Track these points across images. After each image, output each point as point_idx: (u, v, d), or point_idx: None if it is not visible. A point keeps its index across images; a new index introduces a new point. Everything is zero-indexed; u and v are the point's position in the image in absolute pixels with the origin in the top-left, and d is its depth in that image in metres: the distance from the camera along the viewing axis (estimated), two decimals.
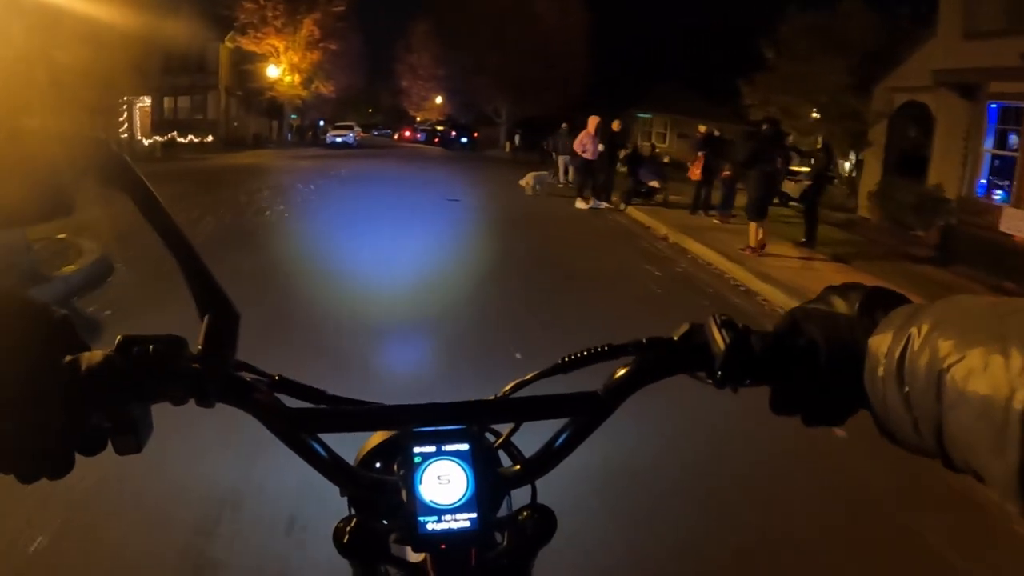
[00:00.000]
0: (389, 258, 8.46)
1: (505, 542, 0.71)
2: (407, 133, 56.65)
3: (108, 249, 7.14)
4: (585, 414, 0.70)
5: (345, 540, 0.68)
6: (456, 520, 0.65)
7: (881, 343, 0.52)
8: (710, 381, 0.66)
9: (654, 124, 44.19)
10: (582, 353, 0.72)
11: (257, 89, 38.44)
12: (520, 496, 0.74)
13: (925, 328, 0.49)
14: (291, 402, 0.70)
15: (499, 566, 0.70)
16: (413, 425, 0.70)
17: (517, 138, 35.88)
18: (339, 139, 39.51)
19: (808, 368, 0.59)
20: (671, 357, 0.68)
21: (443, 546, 0.66)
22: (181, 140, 34.77)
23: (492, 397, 0.76)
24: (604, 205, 14.91)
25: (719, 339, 0.64)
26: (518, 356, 4.95)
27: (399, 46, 53.82)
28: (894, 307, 0.57)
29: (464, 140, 44.42)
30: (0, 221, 0.67)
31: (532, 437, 0.74)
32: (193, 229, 8.81)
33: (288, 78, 38.88)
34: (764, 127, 10.65)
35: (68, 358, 0.55)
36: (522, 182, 16.71)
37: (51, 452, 0.54)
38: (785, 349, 0.61)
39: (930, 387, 0.46)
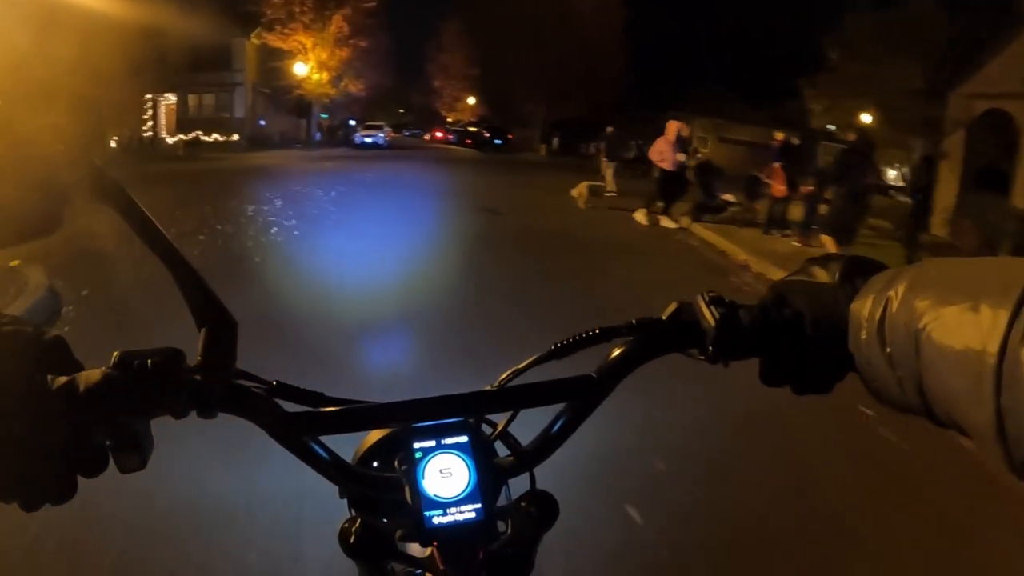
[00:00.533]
0: (413, 306, 6.05)
1: (509, 530, 0.70)
2: (438, 134, 55.87)
3: (60, 283, 5.67)
4: (581, 398, 0.71)
5: (352, 541, 0.68)
6: (461, 512, 0.65)
7: (862, 308, 0.55)
8: (702, 358, 0.67)
9: (694, 128, 42.34)
10: (575, 338, 0.72)
11: (284, 87, 37.31)
12: (519, 485, 0.74)
13: (902, 290, 0.51)
14: (291, 407, 0.69)
15: (504, 555, 0.70)
16: (411, 421, 0.70)
17: (556, 140, 34.14)
18: (368, 139, 38.35)
19: (795, 338, 0.61)
20: (663, 336, 0.69)
21: (450, 538, 0.66)
22: (205, 139, 33.90)
23: (488, 388, 0.74)
24: (671, 224, 12.58)
25: (709, 316, 0.65)
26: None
27: (431, 45, 53.32)
28: (873, 273, 0.58)
29: (498, 142, 43.15)
30: None
31: (529, 426, 0.74)
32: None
33: (316, 76, 37.59)
34: (851, 137, 9.47)
35: (64, 379, 0.54)
36: (575, 192, 14.75)
37: (53, 476, 0.53)
38: (772, 321, 0.63)
39: (910, 346, 0.48)
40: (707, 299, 0.67)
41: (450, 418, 0.70)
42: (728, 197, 13.41)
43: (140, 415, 0.58)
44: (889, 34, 17.44)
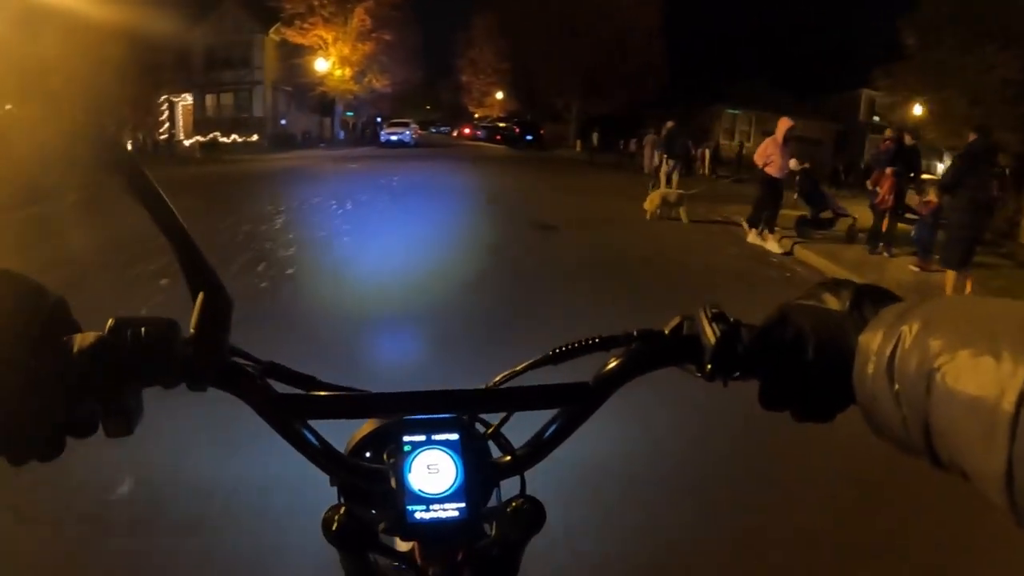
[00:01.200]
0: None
1: (494, 532, 0.71)
2: (467, 130, 54.19)
3: None
4: (575, 405, 0.70)
5: (334, 529, 0.68)
6: (445, 509, 0.65)
7: (872, 340, 0.52)
8: (699, 374, 0.66)
9: (737, 122, 39.69)
10: (573, 344, 0.72)
11: (306, 84, 35.45)
12: (510, 488, 0.73)
13: (916, 327, 0.49)
14: (284, 389, 0.69)
15: (488, 556, 0.70)
16: (403, 413, 0.70)
17: (595, 136, 31.46)
18: (395, 137, 36.39)
19: (797, 363, 0.59)
20: (661, 349, 0.68)
21: (431, 535, 0.66)
22: (224, 140, 32.12)
23: (483, 387, 0.74)
24: (776, 247, 10.13)
25: (710, 332, 0.64)
26: None
27: (459, 40, 51.60)
28: (885, 304, 0.56)
29: (529, 138, 41.14)
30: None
31: (523, 431, 0.73)
32: (127, 301, 5.28)
33: (338, 72, 35.62)
34: (972, 137, 7.55)
35: (61, 340, 0.54)
36: (647, 204, 12.50)
37: (43, 435, 0.54)
38: (775, 343, 0.61)
39: (920, 386, 0.46)
40: (709, 315, 0.65)
41: (442, 413, 0.70)
42: (841, 211, 10.96)
43: (131, 383, 0.58)
44: (977, 18, 15.20)
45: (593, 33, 36.12)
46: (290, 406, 0.67)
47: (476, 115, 55.49)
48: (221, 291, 0.63)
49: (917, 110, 19.26)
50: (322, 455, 0.68)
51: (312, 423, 0.69)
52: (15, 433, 0.52)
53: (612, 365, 0.69)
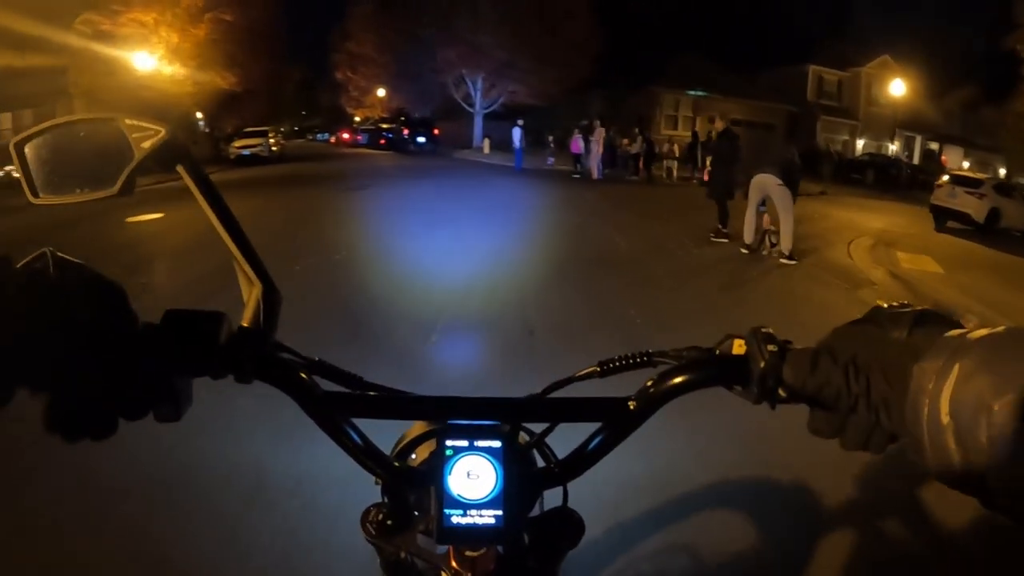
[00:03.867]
0: None
1: (530, 542, 0.72)
2: (345, 135, 47.41)
3: None
4: (619, 419, 0.69)
5: (372, 527, 0.71)
6: (481, 516, 0.65)
7: (927, 371, 0.50)
8: (747, 396, 0.64)
9: (680, 106, 33.58)
10: (621, 359, 0.73)
11: (132, 88, 26.98)
12: (554, 499, 0.74)
13: (975, 360, 0.47)
14: (329, 387, 0.70)
15: (523, 566, 0.71)
16: (447, 417, 0.70)
17: (518, 131, 23.61)
18: (247, 152, 28.49)
19: (847, 389, 0.58)
20: (709, 369, 0.67)
21: (466, 541, 0.67)
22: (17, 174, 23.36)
23: (527, 396, 0.75)
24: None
25: (758, 353, 0.62)
26: None
27: (335, 33, 43.57)
28: (944, 332, 0.53)
29: (421, 140, 33.70)
30: (69, 194, 0.70)
31: (567, 441, 0.72)
32: None
33: (168, 69, 27.39)
34: None
35: (118, 326, 0.58)
36: (745, 234, 8.88)
37: (97, 415, 0.57)
38: (825, 368, 0.59)
39: (976, 424, 0.45)
40: (760, 336, 0.63)
41: (485, 420, 0.69)
42: None
43: (180, 371, 0.61)
44: None
45: (502, 8, 29.13)
46: (334, 403, 0.68)
47: (356, 117, 48.84)
48: (272, 287, 0.68)
49: None
50: (364, 453, 0.68)
51: (359, 423, 0.69)
52: (71, 411, 0.55)
53: (658, 381, 0.68)
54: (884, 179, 28.41)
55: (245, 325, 0.66)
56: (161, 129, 0.68)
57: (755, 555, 2.72)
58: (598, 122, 21.55)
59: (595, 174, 21.62)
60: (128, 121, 0.68)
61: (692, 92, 31.90)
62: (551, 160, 25.07)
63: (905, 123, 36.41)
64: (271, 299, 0.67)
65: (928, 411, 0.48)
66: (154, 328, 0.60)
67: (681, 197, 17.22)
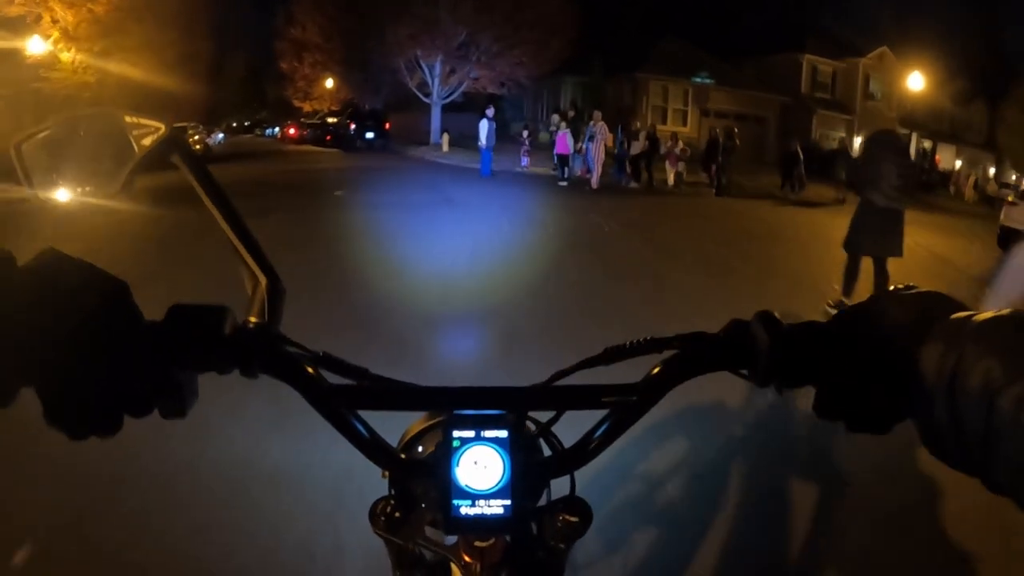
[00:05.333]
0: None
1: (538, 531, 0.72)
2: (292, 131, 42.54)
3: None
4: (625, 406, 0.69)
5: (381, 519, 0.71)
6: (489, 506, 0.65)
7: (932, 353, 0.50)
8: (752, 380, 0.65)
9: (670, 96, 29.77)
10: (626, 345, 0.72)
11: (18, 80, 22.49)
12: (560, 487, 0.74)
13: (981, 344, 0.47)
14: (335, 380, 0.70)
15: (532, 555, 0.71)
16: (453, 408, 0.70)
17: (486, 124, 18.08)
18: None
19: (853, 372, 0.58)
20: (714, 353, 0.67)
21: (474, 531, 0.67)
22: None
23: (533, 385, 0.74)
24: None
25: (764, 337, 0.62)
26: None
27: (279, 17, 38.93)
28: (949, 315, 0.53)
29: (370, 135, 29.82)
30: (71, 192, 0.72)
31: (573, 429, 0.72)
32: None
33: (65, 54, 23.07)
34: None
35: (123, 322, 0.57)
36: None
37: (102, 412, 0.56)
38: (832, 351, 0.59)
39: (980, 408, 0.45)
40: (764, 319, 0.64)
41: (492, 409, 0.69)
42: None
43: (185, 367, 0.60)
44: None
45: None
46: (340, 396, 0.67)
47: (304, 109, 44.07)
48: (276, 281, 0.69)
49: None
50: (371, 446, 0.68)
51: (364, 415, 0.69)
52: (75, 409, 0.55)
53: (664, 367, 0.68)
54: None
55: (251, 319, 0.66)
56: (161, 126, 0.71)
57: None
58: (599, 113, 17.27)
59: (594, 182, 17.25)
60: (128, 119, 0.71)
61: (698, 78, 28.07)
62: (525, 161, 20.46)
63: (900, 119, 34.03)
64: (275, 293, 0.68)
65: (932, 393, 0.49)
66: (158, 324, 0.59)
67: (726, 217, 13.32)
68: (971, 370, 0.46)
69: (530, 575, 0.72)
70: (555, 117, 19.81)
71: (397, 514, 0.70)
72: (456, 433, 0.66)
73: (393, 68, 29.45)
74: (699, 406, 3.44)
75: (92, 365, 0.54)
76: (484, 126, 17.98)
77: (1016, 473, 0.43)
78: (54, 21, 23.01)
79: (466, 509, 0.64)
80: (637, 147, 18.44)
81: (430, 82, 29.27)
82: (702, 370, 0.67)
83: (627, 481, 2.82)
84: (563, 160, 18.12)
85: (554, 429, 0.78)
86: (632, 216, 12.70)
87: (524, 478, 0.66)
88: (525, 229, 10.55)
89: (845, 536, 2.84)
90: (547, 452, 0.77)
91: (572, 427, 0.73)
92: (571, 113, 19.03)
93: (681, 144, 18.50)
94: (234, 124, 79.23)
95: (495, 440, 0.66)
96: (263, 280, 0.69)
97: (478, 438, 0.66)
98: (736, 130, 17.14)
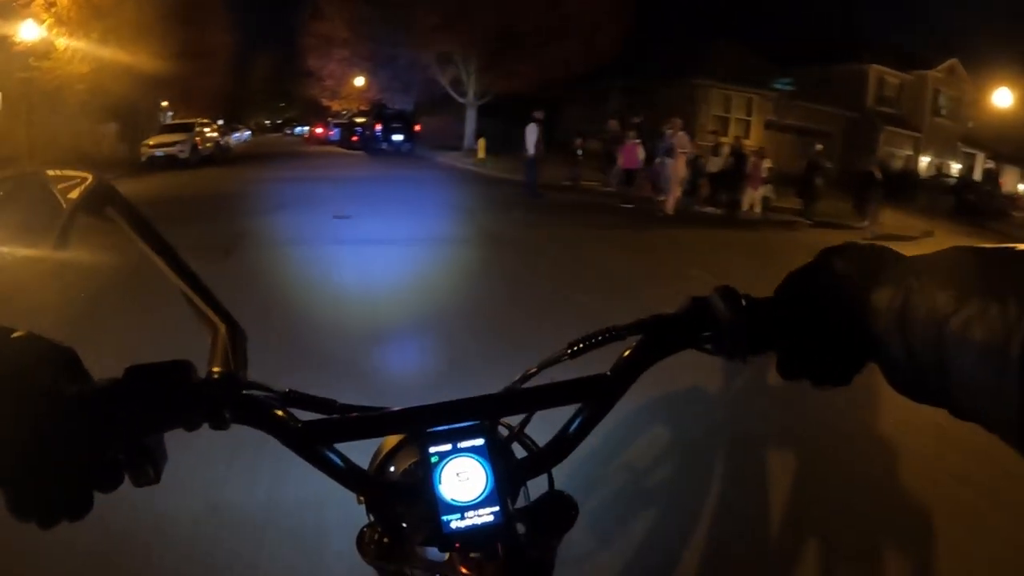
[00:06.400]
0: None
1: (527, 531, 0.71)
2: (319, 130, 43.02)
3: None
4: (596, 398, 0.70)
5: (371, 547, 0.69)
6: (479, 515, 0.65)
7: (881, 298, 0.53)
8: (719, 353, 0.66)
9: (732, 106, 26.45)
10: (589, 338, 0.71)
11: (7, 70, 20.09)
12: (537, 487, 0.73)
13: (923, 280, 0.50)
14: (304, 415, 0.68)
15: (525, 556, 0.71)
16: (426, 426, 0.69)
17: (534, 129, 14.69)
18: (160, 153, 22.00)
19: (812, 330, 0.59)
20: (677, 333, 0.68)
21: (469, 542, 0.66)
22: None
23: (502, 390, 0.74)
24: None
25: (724, 310, 0.64)
26: None
27: (305, 13, 36.54)
28: (891, 262, 0.57)
29: (398, 138, 27.73)
30: (8, 249, 0.70)
31: (546, 427, 0.72)
32: None
33: (61, 41, 20.66)
34: None
35: (77, 394, 0.54)
36: None
37: (69, 493, 0.53)
38: (789, 314, 0.61)
39: (931, 338, 0.48)
40: (721, 293, 0.65)
41: (465, 421, 0.69)
42: None
43: (152, 429, 0.58)
44: None
45: None
46: (315, 433, 0.66)
47: (333, 108, 42.52)
48: (235, 326, 0.66)
49: None
50: (349, 475, 0.67)
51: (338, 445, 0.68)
52: (40, 494, 0.51)
53: (629, 353, 0.68)
54: (964, 207, 21.78)
55: (215, 370, 0.64)
56: (87, 176, 0.67)
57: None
58: (678, 121, 13.80)
59: (669, 206, 13.67)
60: (51, 173, 0.68)
61: (780, 85, 24.83)
62: (576, 174, 17.37)
63: (962, 138, 31.56)
64: (236, 337, 0.66)
65: (887, 334, 0.52)
66: (116, 388, 0.56)
67: None
68: (919, 303, 0.49)
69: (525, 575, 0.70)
70: (612, 124, 16.66)
71: (386, 540, 0.68)
72: (432, 448, 0.66)
73: (423, 64, 26.90)
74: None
75: (51, 447, 0.51)
76: (531, 131, 14.79)
77: (973, 393, 0.45)
78: (49, 5, 20.40)
79: (457, 523, 0.64)
80: (717, 163, 15.04)
81: (465, 79, 26.43)
82: (668, 351, 0.67)
83: (599, 468, 2.90)
84: (630, 177, 15.15)
85: (527, 429, 0.76)
86: (733, 259, 9.53)
87: (508, 482, 0.66)
88: (608, 296, 6.66)
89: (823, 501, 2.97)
90: (521, 454, 0.74)
91: (545, 424, 0.73)
92: (636, 120, 15.73)
93: (768, 162, 14.71)
94: (266, 122, 78.32)
95: (473, 449, 0.66)
96: (222, 327, 0.65)
97: (455, 450, 0.66)
98: (822, 148, 15.26)
